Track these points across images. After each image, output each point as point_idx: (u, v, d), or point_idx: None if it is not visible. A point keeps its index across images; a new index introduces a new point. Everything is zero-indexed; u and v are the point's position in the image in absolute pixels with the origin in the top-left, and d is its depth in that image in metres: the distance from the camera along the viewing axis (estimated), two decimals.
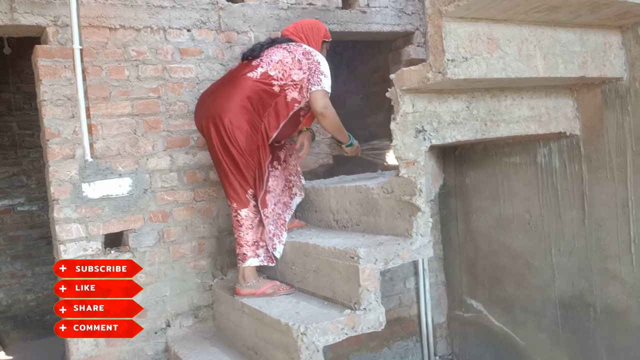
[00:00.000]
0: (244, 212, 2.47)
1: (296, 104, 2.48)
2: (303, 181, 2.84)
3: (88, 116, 2.60)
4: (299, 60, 2.45)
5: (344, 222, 2.66)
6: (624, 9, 2.08)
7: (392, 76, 2.21)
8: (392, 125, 2.21)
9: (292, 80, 2.45)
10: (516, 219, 2.93)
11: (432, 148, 2.33)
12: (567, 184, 2.64)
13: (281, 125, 2.49)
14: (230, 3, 2.99)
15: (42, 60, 2.54)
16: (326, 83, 2.45)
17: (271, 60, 2.46)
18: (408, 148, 2.21)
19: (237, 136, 2.39)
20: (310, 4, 3.22)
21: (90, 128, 2.62)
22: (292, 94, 2.47)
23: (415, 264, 3.37)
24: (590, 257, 2.59)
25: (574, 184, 2.62)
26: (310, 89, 2.43)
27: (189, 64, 2.86)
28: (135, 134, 2.74)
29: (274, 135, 2.49)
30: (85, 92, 2.60)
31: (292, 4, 3.16)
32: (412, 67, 2.12)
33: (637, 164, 2.36)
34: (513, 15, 2.01)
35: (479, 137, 2.36)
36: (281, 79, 2.44)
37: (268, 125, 2.47)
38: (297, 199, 2.79)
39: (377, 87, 4.00)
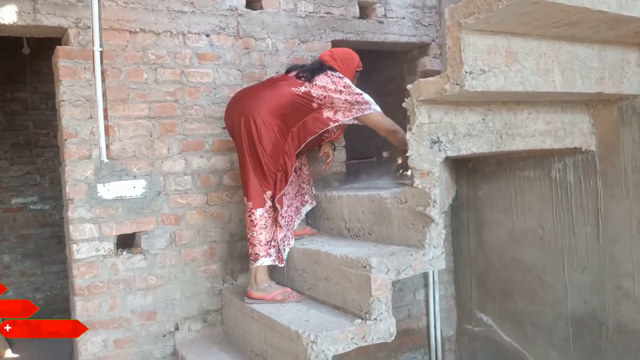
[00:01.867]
0: (259, 212, 2.51)
1: (330, 122, 2.61)
2: (314, 190, 2.91)
3: (105, 117, 2.63)
4: (340, 90, 2.58)
5: (356, 230, 2.66)
6: None
7: (409, 87, 2.22)
8: (408, 136, 2.21)
9: (332, 103, 2.58)
10: (529, 233, 2.91)
11: (446, 159, 2.33)
12: (582, 200, 2.63)
13: (312, 137, 2.63)
14: (249, 10, 3.02)
15: (63, 61, 2.57)
16: (375, 106, 2.62)
17: (316, 84, 2.57)
18: (423, 159, 2.21)
19: (265, 137, 2.48)
20: (328, 12, 3.24)
21: (107, 129, 2.64)
22: (327, 113, 2.60)
23: (425, 275, 3.35)
24: (604, 274, 2.57)
25: (588, 200, 2.60)
26: (364, 113, 2.59)
27: (207, 69, 2.89)
28: (151, 136, 2.76)
29: (304, 143, 2.63)
30: (104, 94, 2.63)
31: (310, 12, 3.18)
32: (429, 78, 2.13)
33: None
34: (532, 29, 2.01)
35: (494, 149, 2.35)
36: (321, 100, 2.58)
37: (297, 134, 2.60)
38: (308, 207, 2.86)
39: (392, 97, 4.00)
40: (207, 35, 2.90)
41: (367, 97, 2.62)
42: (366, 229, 2.59)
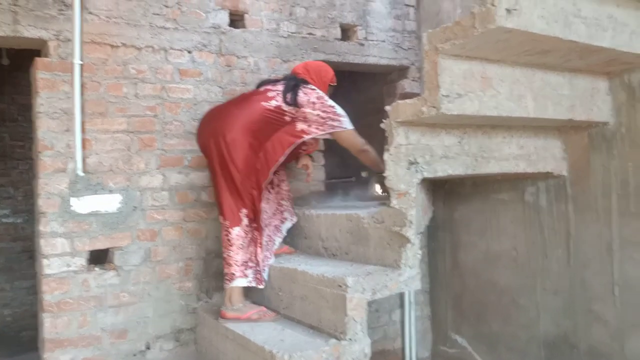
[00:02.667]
0: (236, 231, 2.49)
1: (304, 135, 2.60)
2: (293, 206, 2.90)
3: (83, 131, 2.61)
4: (313, 102, 2.57)
5: (333, 250, 2.67)
6: (611, 56, 2.15)
7: (387, 108, 2.26)
8: (386, 156, 2.24)
9: (304, 116, 2.57)
10: (503, 255, 2.95)
11: (423, 181, 2.36)
12: (554, 223, 2.68)
13: (288, 149, 2.60)
14: (232, 28, 3.05)
15: (42, 73, 2.55)
16: (347, 122, 2.61)
17: (287, 99, 2.57)
18: (400, 179, 2.24)
19: (237, 154, 2.47)
20: (310, 33, 3.29)
21: (84, 143, 2.62)
22: (301, 126, 2.59)
23: (401, 296, 3.36)
24: (575, 297, 2.61)
25: (560, 223, 2.66)
26: (335, 130, 2.58)
27: (188, 85, 2.90)
28: (129, 150, 2.74)
29: (280, 158, 2.59)
30: (82, 107, 2.61)
31: (292, 33, 3.23)
32: (407, 100, 2.17)
33: (622, 207, 2.41)
34: (506, 56, 2.07)
35: (470, 172, 2.39)
36: (293, 114, 2.57)
37: (271, 150, 2.58)
38: (288, 224, 2.84)
39: (371, 117, 4.03)
40: (190, 52, 2.91)
41: (339, 111, 2.61)
42: (343, 249, 2.60)
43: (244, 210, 2.52)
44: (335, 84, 2.88)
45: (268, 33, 3.16)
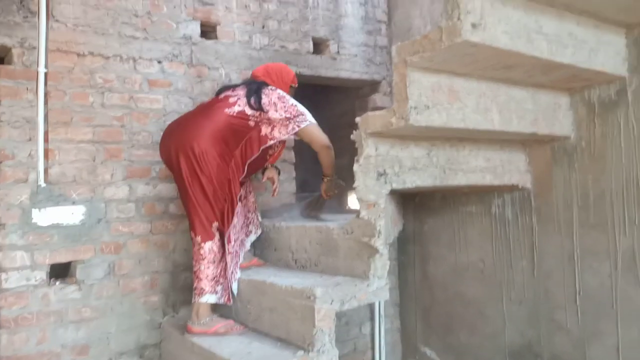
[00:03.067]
0: (208, 245, 2.44)
1: (269, 140, 2.54)
2: (259, 218, 2.87)
3: (46, 140, 2.54)
4: (274, 102, 2.52)
5: (303, 261, 2.65)
6: (572, 72, 2.24)
7: (357, 119, 2.28)
8: (355, 167, 2.26)
9: (268, 118, 2.51)
10: (471, 267, 2.99)
11: (393, 193, 2.38)
12: (519, 235, 2.74)
13: (253, 157, 2.53)
14: (203, 39, 3.04)
15: (4, 81, 2.48)
16: (311, 118, 2.56)
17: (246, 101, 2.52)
18: (369, 190, 2.25)
19: (208, 165, 2.40)
20: (282, 46, 3.31)
21: (47, 152, 2.55)
22: (265, 130, 2.52)
23: (371, 308, 3.36)
24: (539, 307, 2.67)
25: (525, 235, 2.72)
26: (300, 126, 2.51)
27: (157, 95, 2.86)
28: (94, 161, 2.68)
29: (245, 169, 2.53)
30: (46, 116, 2.55)
31: (265, 45, 3.24)
32: (377, 112, 2.20)
33: (582, 219, 2.49)
34: (472, 70, 2.13)
35: (438, 183, 2.43)
36: (257, 117, 2.51)
37: (240, 157, 2.51)
38: (252, 237, 2.80)
39: (343, 131, 4.05)
40: (159, 62, 2.88)
41: (301, 108, 2.56)
42: (313, 260, 2.59)
43: (216, 224, 2.46)
44: (297, 85, 2.84)
45: (240, 45, 3.16)
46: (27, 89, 2.53)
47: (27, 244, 2.50)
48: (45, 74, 2.54)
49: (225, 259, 2.48)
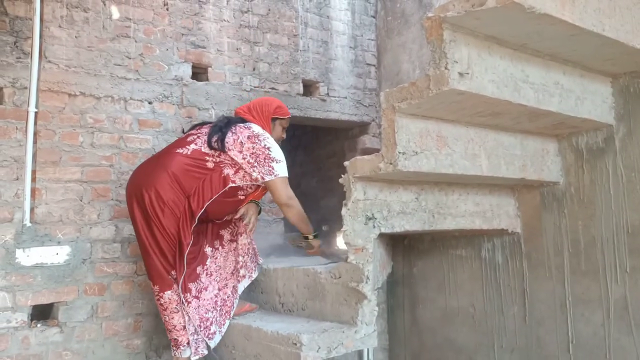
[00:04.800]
0: (167, 295, 2.34)
1: (231, 182, 2.37)
2: (260, 260, 2.73)
3: (33, 179, 2.53)
4: (241, 142, 2.35)
5: (290, 305, 2.60)
6: (559, 119, 2.27)
7: (346, 163, 2.28)
8: (344, 211, 2.24)
9: (230, 159, 2.35)
10: (461, 312, 2.94)
11: (382, 236, 2.36)
12: (509, 280, 2.71)
13: (209, 201, 2.35)
14: (194, 80, 3.07)
15: None
16: (280, 169, 2.37)
17: (206, 140, 2.37)
18: (357, 234, 2.23)
19: (159, 213, 2.29)
20: (272, 88, 3.34)
21: (33, 192, 2.53)
22: (227, 170, 2.37)
23: (360, 354, 3.28)
24: (531, 355, 2.61)
25: (515, 280, 2.69)
26: (264, 179, 2.35)
27: (147, 135, 2.87)
28: (81, 201, 2.65)
29: (200, 212, 2.34)
30: (34, 155, 2.54)
31: (255, 87, 3.27)
32: (365, 157, 2.20)
33: (573, 265, 2.46)
34: (460, 117, 2.15)
35: (427, 228, 2.42)
36: (217, 157, 2.36)
37: (196, 201, 2.33)
38: (245, 282, 2.64)
39: (332, 171, 4.10)
40: (150, 103, 2.90)
41: (274, 154, 2.35)
42: (300, 304, 2.54)
43: (173, 272, 2.34)
44: (284, 116, 2.63)
45: (231, 86, 3.19)
46: (17, 128, 2.52)
47: (9, 285, 2.45)
48: (36, 114, 2.55)
49: (186, 308, 2.33)
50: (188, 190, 2.33)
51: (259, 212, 2.68)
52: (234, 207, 2.51)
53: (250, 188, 2.46)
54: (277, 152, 2.39)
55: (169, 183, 2.31)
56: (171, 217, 2.31)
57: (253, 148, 2.35)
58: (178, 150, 2.37)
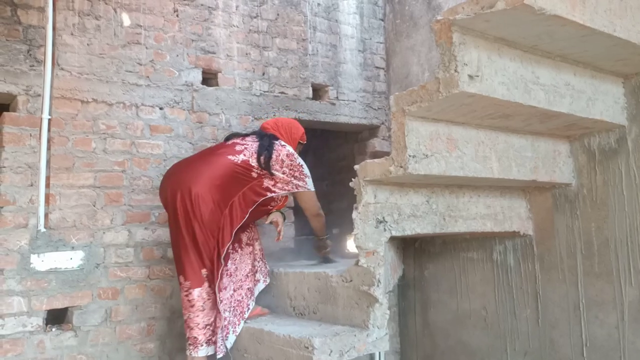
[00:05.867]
0: (197, 292, 2.39)
1: (269, 193, 2.55)
2: (267, 267, 2.78)
3: (47, 185, 2.56)
4: (282, 159, 2.54)
5: (301, 309, 2.61)
6: (570, 121, 2.25)
7: (356, 167, 2.28)
8: (354, 215, 2.24)
9: (272, 173, 2.53)
10: (473, 315, 2.93)
11: (393, 239, 2.36)
12: (522, 283, 2.69)
13: (253, 206, 2.52)
14: (204, 86, 3.10)
15: (8, 128, 2.52)
16: (311, 184, 2.63)
17: (255, 152, 2.53)
18: (368, 238, 2.23)
19: (202, 210, 2.38)
20: (282, 92, 3.36)
21: (47, 198, 2.56)
22: (267, 183, 2.54)
23: (372, 357, 3.27)
24: (544, 358, 2.59)
25: (528, 283, 2.67)
26: (299, 190, 2.59)
27: (158, 141, 2.89)
28: (94, 206, 2.68)
29: (245, 217, 2.49)
30: (48, 162, 2.57)
31: (265, 92, 3.29)
32: (375, 160, 2.20)
33: (586, 268, 2.44)
34: (470, 119, 2.14)
35: (438, 231, 2.41)
36: (262, 170, 2.51)
37: (238, 205, 2.47)
38: (261, 285, 2.69)
39: (342, 175, 4.10)
40: (161, 108, 2.93)
41: (306, 171, 2.61)
42: (311, 308, 2.54)
43: (204, 271, 2.41)
44: (305, 142, 2.89)
45: (240, 91, 3.21)
46: (31, 135, 2.56)
47: (25, 290, 2.48)
48: (49, 121, 2.58)
49: (217, 308, 2.39)
50: (234, 194, 2.47)
51: (284, 219, 2.84)
52: (261, 215, 2.70)
53: (279, 200, 2.67)
54: (307, 170, 2.64)
55: (217, 184, 2.42)
56: (214, 216, 2.40)
57: (291, 165, 2.57)
58: (230, 157, 2.49)
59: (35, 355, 2.47)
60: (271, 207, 2.68)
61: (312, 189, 2.64)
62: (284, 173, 2.55)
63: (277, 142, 2.61)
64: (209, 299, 2.41)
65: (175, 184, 2.46)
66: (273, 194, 2.56)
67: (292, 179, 2.57)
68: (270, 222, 2.79)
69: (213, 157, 2.52)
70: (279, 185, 2.56)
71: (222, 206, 2.44)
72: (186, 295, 2.41)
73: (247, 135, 2.70)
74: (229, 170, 2.46)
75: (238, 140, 2.63)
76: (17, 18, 2.59)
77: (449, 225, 2.44)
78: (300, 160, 2.62)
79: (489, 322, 2.83)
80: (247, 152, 2.53)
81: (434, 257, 3.17)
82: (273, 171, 2.52)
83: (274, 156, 2.53)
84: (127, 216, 2.77)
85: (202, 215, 2.38)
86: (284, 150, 2.58)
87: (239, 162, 2.49)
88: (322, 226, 2.83)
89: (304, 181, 2.59)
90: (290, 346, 2.16)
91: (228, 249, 2.45)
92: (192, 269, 2.40)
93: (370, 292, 2.19)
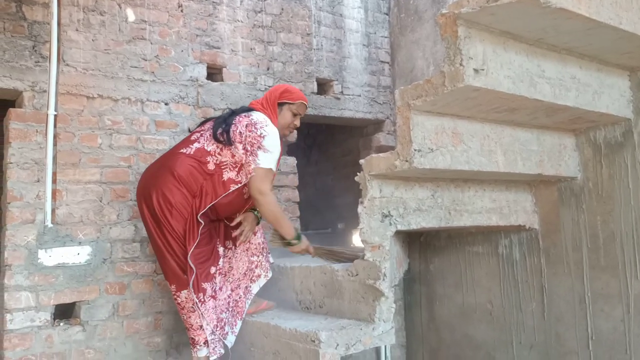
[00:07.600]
0: (184, 294, 2.34)
1: (232, 185, 2.32)
2: (271, 259, 2.70)
3: (54, 181, 2.57)
4: (240, 132, 2.27)
5: (307, 303, 2.62)
6: (576, 114, 2.24)
7: (361, 161, 2.29)
8: (360, 209, 2.25)
9: (232, 156, 2.30)
10: (479, 308, 2.93)
11: (398, 233, 2.37)
12: (527, 276, 2.70)
13: (211, 203, 2.31)
14: (209, 81, 3.10)
15: (14, 124, 2.53)
16: (264, 160, 2.25)
17: (210, 135, 2.33)
18: (374, 232, 2.24)
19: (166, 214, 2.28)
20: None
21: (54, 193, 2.58)
22: (228, 174, 2.32)
23: (377, 351, 3.28)
24: (550, 352, 2.59)
25: (533, 276, 2.67)
26: (251, 166, 2.27)
27: (164, 136, 2.90)
28: (100, 201, 2.70)
29: (201, 213, 2.30)
30: (54, 157, 2.58)
31: (269, 86, 3.28)
32: (380, 154, 2.21)
33: (592, 261, 2.44)
34: (475, 113, 2.14)
35: (443, 225, 2.41)
36: (219, 154, 2.31)
37: (198, 203, 2.31)
38: (262, 280, 2.63)
39: (348, 169, 4.10)
40: (166, 104, 2.93)
41: (267, 142, 2.23)
42: (317, 302, 2.56)
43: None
44: (293, 101, 2.48)
45: (245, 86, 3.21)
46: (37, 131, 2.57)
47: (33, 285, 2.50)
48: (55, 117, 2.59)
49: (199, 310, 2.32)
50: (194, 191, 2.31)
51: (258, 222, 2.58)
52: (243, 205, 2.47)
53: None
54: (271, 143, 2.27)
55: (175, 185, 2.29)
56: (179, 218, 2.30)
57: (249, 137, 2.26)
58: (182, 150, 2.35)
59: (44, 349, 2.49)
60: (247, 196, 2.40)
61: (265, 165, 2.23)
62: (244, 148, 2.25)
63: (242, 113, 2.34)
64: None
65: (140, 192, 2.39)
66: (238, 185, 2.32)
67: (249, 154, 2.23)
68: (234, 224, 2.48)
69: (172, 157, 2.37)
70: (243, 172, 2.29)
71: (186, 206, 2.30)
72: (175, 299, 2.39)
73: (213, 118, 2.49)
74: (184, 165, 2.29)
75: (197, 129, 2.46)
76: (22, 14, 2.60)
77: (455, 219, 2.44)
78: (264, 131, 2.25)
79: (495, 316, 2.84)
80: (202, 138, 2.34)
81: (439, 251, 3.17)
82: (234, 150, 2.26)
83: (232, 129, 2.26)
84: (134, 211, 2.78)
85: (168, 220, 2.28)
86: (244, 120, 2.28)
87: (191, 153, 2.31)
88: (272, 219, 2.36)
89: (255, 155, 2.23)
90: (297, 340, 2.17)
91: (200, 249, 2.31)
92: (173, 272, 2.32)
93: (376, 285, 2.20)
